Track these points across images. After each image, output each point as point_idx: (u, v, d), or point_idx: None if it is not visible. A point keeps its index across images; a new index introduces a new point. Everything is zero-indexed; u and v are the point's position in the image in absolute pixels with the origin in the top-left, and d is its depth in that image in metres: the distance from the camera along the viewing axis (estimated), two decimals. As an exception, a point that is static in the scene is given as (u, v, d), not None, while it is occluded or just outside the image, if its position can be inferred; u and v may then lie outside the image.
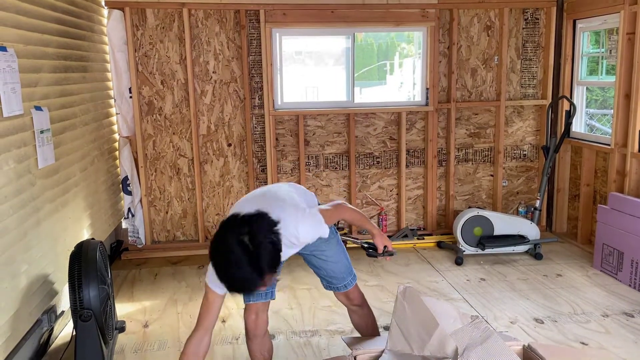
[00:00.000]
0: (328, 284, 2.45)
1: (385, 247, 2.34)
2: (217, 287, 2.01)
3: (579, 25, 4.51)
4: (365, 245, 2.44)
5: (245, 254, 1.73)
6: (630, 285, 3.65)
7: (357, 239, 2.66)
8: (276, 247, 1.81)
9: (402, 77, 7.15)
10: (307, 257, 2.41)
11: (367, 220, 2.36)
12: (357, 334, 3.10)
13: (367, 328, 2.54)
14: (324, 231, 2.14)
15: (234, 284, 1.80)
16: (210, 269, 1.90)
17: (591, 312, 3.30)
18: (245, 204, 2.08)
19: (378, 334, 2.54)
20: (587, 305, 3.39)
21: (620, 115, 3.94)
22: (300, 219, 2.07)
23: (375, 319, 2.57)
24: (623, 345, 2.88)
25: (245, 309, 2.35)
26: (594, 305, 3.40)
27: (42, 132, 2.78)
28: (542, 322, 3.18)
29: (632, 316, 3.23)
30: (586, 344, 2.91)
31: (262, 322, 2.35)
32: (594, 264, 4.02)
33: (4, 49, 2.42)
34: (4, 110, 2.39)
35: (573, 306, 3.39)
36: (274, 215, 1.88)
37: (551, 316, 3.26)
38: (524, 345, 2.20)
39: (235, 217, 1.84)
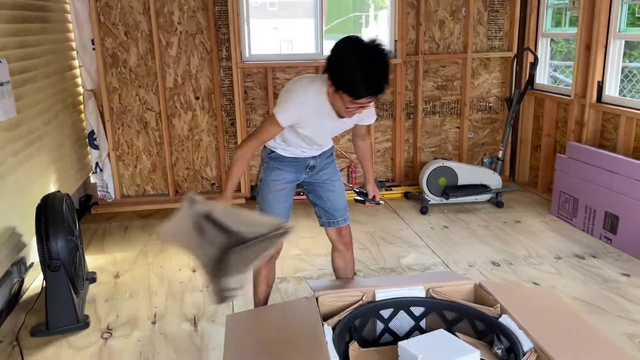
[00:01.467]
0: (328, 218, 2.52)
1: (374, 196, 2.55)
2: (286, 119, 2.13)
3: (545, -24, 4.54)
4: (357, 190, 2.64)
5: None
6: (584, 230, 3.84)
7: (349, 184, 2.83)
8: None
9: (378, 30, 7.09)
10: (315, 187, 2.48)
11: (371, 162, 2.59)
12: (323, 280, 3.23)
13: (346, 270, 2.64)
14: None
15: (380, 78, 1.96)
16: (285, 101, 2.12)
17: (545, 255, 3.49)
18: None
19: (352, 278, 2.67)
20: (542, 249, 3.57)
21: (581, 67, 4.04)
22: None
23: (354, 265, 2.68)
24: (572, 285, 3.08)
25: None
26: (548, 248, 3.58)
27: (1, 84, 2.74)
28: (499, 265, 3.35)
29: (583, 258, 3.43)
30: (538, 284, 3.09)
31: (279, 251, 2.47)
32: (551, 211, 4.20)
33: (-46, -4, 2.35)
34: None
35: (529, 250, 3.57)
36: None
37: (507, 259, 3.43)
38: (475, 284, 2.34)
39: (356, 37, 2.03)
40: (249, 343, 2.01)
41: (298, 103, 2.14)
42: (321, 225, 2.57)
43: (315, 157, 2.42)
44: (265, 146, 2.41)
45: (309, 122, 2.20)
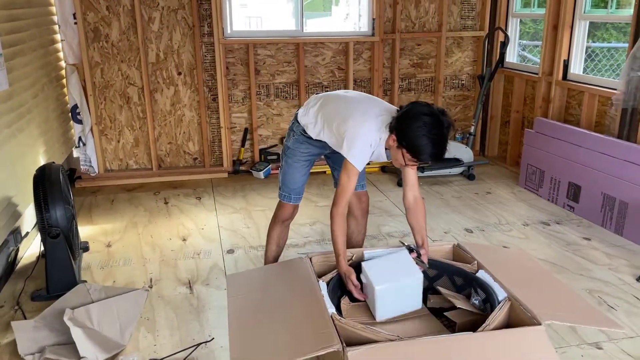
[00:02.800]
0: None
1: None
2: (362, 165, 2.27)
3: (515, -42, 4.74)
4: (410, 247, 2.51)
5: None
6: (549, 200, 4.12)
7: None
8: None
9: (348, 9, 7.18)
10: (338, 154, 2.47)
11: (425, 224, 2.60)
12: (308, 246, 3.41)
13: (359, 236, 2.75)
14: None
15: (443, 148, 2.08)
16: (358, 149, 2.21)
17: (514, 222, 3.75)
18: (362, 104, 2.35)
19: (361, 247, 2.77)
20: (511, 217, 3.84)
21: (548, 46, 4.28)
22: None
23: (365, 232, 2.81)
24: (538, 248, 3.34)
25: (284, 205, 2.62)
26: (517, 216, 3.85)
27: (-5, 56, 2.78)
28: (472, 232, 3.60)
29: (549, 224, 3.70)
30: (507, 247, 3.35)
31: (294, 215, 2.66)
32: (519, 183, 4.48)
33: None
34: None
35: (499, 218, 3.83)
36: None
37: (479, 226, 3.68)
38: (453, 244, 2.56)
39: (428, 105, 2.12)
40: (250, 298, 2.18)
41: (368, 153, 2.27)
42: (336, 186, 2.62)
43: None
44: (298, 122, 2.50)
45: None
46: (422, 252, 2.34)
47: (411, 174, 2.40)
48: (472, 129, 4.79)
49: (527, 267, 2.46)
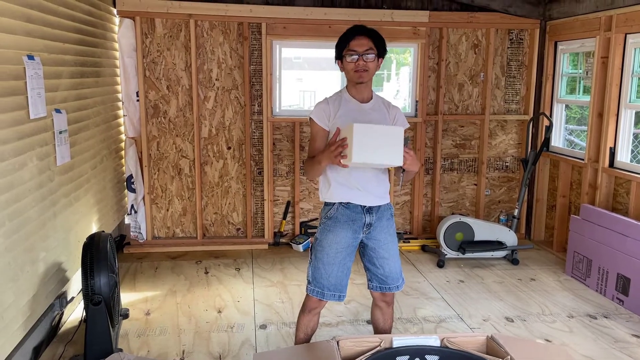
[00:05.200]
0: (380, 284, 2.55)
1: None
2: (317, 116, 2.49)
3: (559, 46, 4.83)
4: None
5: None
6: (597, 291, 3.94)
7: None
8: None
9: (399, 85, 7.40)
10: (369, 251, 2.53)
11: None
12: (341, 325, 3.38)
13: (385, 325, 2.68)
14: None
15: (359, 26, 2.50)
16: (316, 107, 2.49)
17: (558, 313, 3.60)
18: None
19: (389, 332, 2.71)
20: (555, 307, 3.68)
21: (594, 133, 4.25)
22: None
23: (392, 320, 2.73)
24: (583, 343, 3.18)
25: (311, 299, 2.56)
26: (561, 307, 3.69)
27: (60, 132, 3.05)
28: (512, 321, 3.47)
29: (595, 318, 3.53)
30: (550, 341, 3.20)
31: (322, 306, 2.58)
32: (565, 270, 4.32)
33: (32, 57, 2.69)
34: (31, 113, 2.67)
35: (542, 307, 3.68)
36: None
37: (521, 316, 3.55)
38: (487, 336, 2.48)
39: None
40: (274, 381, 2.18)
41: (322, 104, 2.51)
42: (369, 288, 2.62)
43: (371, 211, 2.49)
44: (325, 203, 2.54)
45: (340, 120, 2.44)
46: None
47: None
48: (516, 212, 4.72)
49: (565, 366, 2.34)
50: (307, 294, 2.58)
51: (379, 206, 2.52)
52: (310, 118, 2.49)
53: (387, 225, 2.55)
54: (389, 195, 2.61)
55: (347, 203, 2.48)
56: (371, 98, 2.54)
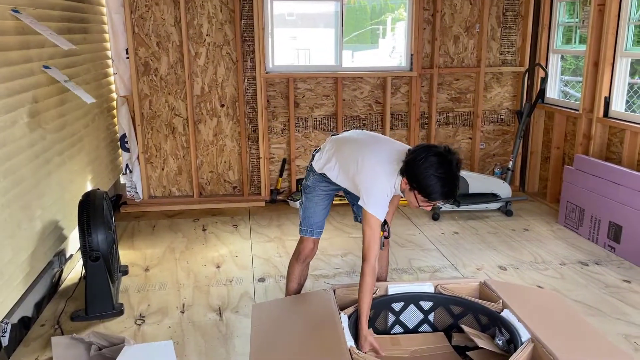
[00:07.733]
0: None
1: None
2: (381, 214, 2.30)
3: (556, -5, 4.74)
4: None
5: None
6: (588, 239, 4.01)
7: None
8: None
9: (394, 42, 7.27)
10: (351, 193, 2.59)
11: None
12: (338, 277, 3.44)
13: (381, 269, 2.71)
14: None
15: (454, 186, 2.14)
16: (375, 199, 2.25)
17: (550, 261, 3.66)
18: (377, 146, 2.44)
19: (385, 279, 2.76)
20: (548, 256, 3.75)
21: (589, 83, 4.22)
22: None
23: (388, 265, 2.79)
24: (574, 289, 3.25)
25: (305, 240, 2.65)
26: (554, 255, 3.76)
27: (65, 81, 3.02)
28: (505, 269, 3.54)
29: (587, 265, 3.60)
30: (542, 287, 3.27)
31: (314, 252, 2.68)
32: (558, 220, 4.37)
33: (17, 12, 2.62)
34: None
35: (535, 256, 3.75)
36: None
37: (514, 264, 3.61)
38: (480, 282, 2.54)
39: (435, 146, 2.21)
40: (273, 328, 2.23)
41: (386, 202, 2.32)
42: (355, 220, 2.74)
43: None
44: (314, 167, 2.59)
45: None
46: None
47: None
48: (510, 164, 4.74)
49: (555, 308, 2.41)
50: (300, 239, 2.67)
51: None
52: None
53: None
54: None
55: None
56: None
